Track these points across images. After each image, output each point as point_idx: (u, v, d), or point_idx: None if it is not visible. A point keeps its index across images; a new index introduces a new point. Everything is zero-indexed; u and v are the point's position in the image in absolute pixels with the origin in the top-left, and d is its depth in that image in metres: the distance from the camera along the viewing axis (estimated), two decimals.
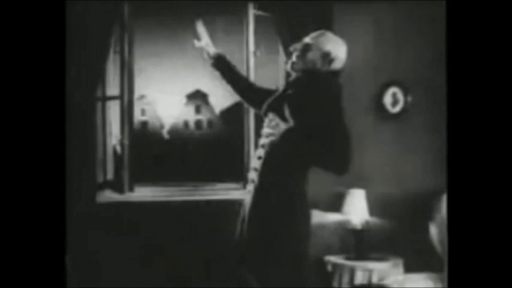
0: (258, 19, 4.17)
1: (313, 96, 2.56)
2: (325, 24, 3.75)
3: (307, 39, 2.74)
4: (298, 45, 2.75)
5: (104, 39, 3.82)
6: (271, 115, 2.60)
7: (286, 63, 2.93)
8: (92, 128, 3.96)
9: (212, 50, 3.07)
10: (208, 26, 3.12)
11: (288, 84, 2.78)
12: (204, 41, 3.07)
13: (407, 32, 4.28)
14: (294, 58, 2.74)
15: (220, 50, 3.07)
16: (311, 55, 2.69)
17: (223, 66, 3.05)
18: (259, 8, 4.13)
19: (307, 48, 2.70)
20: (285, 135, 2.54)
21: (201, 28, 3.08)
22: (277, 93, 2.80)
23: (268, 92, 2.97)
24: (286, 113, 2.56)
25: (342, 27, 3.69)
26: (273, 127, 2.57)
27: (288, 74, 3.02)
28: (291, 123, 2.55)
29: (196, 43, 3.09)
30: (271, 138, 2.59)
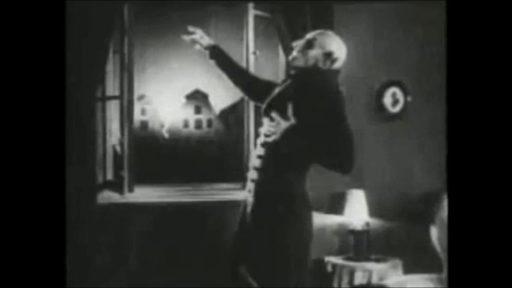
0: (258, 19, 4.16)
1: (316, 95, 2.55)
2: (325, 24, 3.75)
3: (309, 36, 2.73)
4: (300, 41, 2.74)
5: (104, 40, 3.82)
6: (273, 113, 2.57)
7: (287, 57, 2.92)
8: (92, 128, 3.95)
9: (206, 41, 3.05)
10: (208, 26, 3.11)
11: (289, 81, 2.77)
12: (198, 33, 3.04)
13: (407, 32, 4.28)
14: (295, 53, 2.73)
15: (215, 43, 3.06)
16: (313, 53, 2.68)
17: (219, 56, 3.03)
18: (258, 8, 4.13)
19: (309, 45, 2.69)
20: (288, 133, 2.53)
21: (194, 28, 3.06)
22: (277, 91, 2.77)
23: (267, 84, 2.96)
24: (289, 111, 2.54)
25: (342, 27, 3.69)
26: (274, 125, 2.56)
27: (288, 70, 3.01)
28: (293, 121, 2.54)
29: (190, 37, 3.05)
30: (273, 136, 2.57)
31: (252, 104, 4.13)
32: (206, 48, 3.04)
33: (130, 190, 4.02)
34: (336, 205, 4.14)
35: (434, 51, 4.13)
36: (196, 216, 4.06)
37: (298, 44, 2.74)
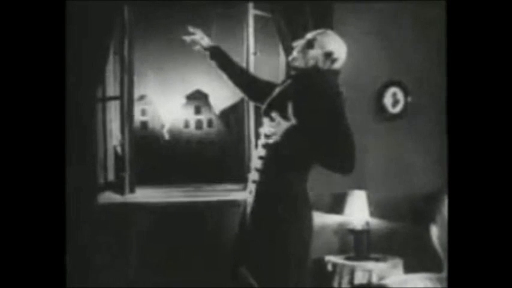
0: (258, 19, 4.16)
1: (316, 95, 2.55)
2: (325, 24, 3.75)
3: (310, 36, 2.73)
4: (300, 41, 2.74)
5: (104, 40, 3.82)
6: (273, 113, 2.57)
7: (287, 57, 2.91)
8: (92, 129, 3.95)
9: (206, 41, 3.05)
10: (208, 26, 3.11)
11: (289, 81, 2.77)
12: (199, 34, 3.05)
13: (407, 32, 4.28)
14: (295, 54, 2.73)
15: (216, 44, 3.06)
16: (313, 53, 2.68)
17: (219, 57, 3.03)
18: (258, 8, 4.13)
19: (309, 45, 2.69)
20: (288, 134, 2.52)
21: (194, 29, 3.06)
22: (277, 91, 2.78)
23: (267, 84, 2.96)
24: (289, 111, 2.54)
25: (342, 27, 3.68)
26: (274, 126, 2.56)
27: (288, 71, 3.00)
28: (293, 121, 2.54)
29: (191, 37, 3.05)
30: (274, 137, 2.57)
31: (252, 105, 4.13)
32: (206, 48, 3.04)
33: (132, 191, 4.02)
34: (337, 205, 4.14)
35: (434, 51, 4.12)
36: (197, 216, 4.06)
37: (298, 44, 2.74)
